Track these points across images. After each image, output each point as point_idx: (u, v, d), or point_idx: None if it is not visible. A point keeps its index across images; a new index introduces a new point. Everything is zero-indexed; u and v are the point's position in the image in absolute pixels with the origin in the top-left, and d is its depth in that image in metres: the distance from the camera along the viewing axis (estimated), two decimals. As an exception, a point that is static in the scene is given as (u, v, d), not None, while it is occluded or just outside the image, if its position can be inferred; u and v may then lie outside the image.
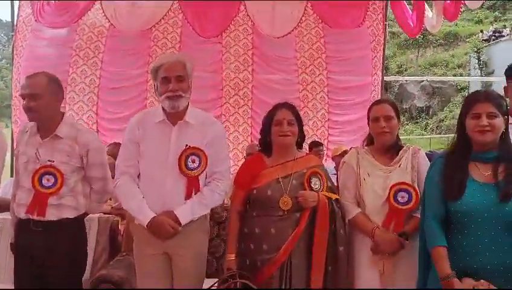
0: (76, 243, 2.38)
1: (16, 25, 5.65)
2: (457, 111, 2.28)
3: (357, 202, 2.30)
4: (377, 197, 2.25)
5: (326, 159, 5.25)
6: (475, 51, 22.70)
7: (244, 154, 5.02)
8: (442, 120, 20.55)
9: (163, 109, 2.25)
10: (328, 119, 5.87)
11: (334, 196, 2.27)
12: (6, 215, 2.64)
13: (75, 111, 5.64)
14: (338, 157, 4.87)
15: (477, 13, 27.16)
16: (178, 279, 2.25)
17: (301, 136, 2.39)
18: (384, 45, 5.81)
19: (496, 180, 1.89)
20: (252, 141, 5.70)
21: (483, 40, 23.50)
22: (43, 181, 2.23)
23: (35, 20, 5.48)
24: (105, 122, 5.72)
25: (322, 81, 5.87)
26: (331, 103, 5.86)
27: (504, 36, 22.53)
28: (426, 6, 4.95)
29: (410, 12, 5.35)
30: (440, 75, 22.36)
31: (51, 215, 2.26)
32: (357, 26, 5.69)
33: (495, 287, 1.78)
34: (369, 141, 2.39)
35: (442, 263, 1.89)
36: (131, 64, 5.76)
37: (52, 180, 2.23)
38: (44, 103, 2.28)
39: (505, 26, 24.03)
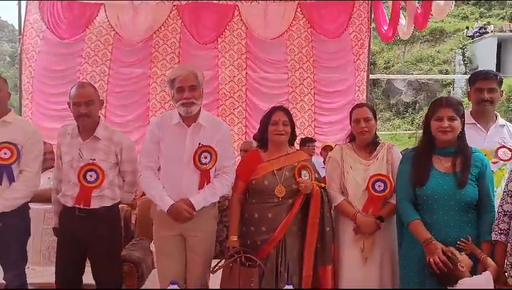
0: (114, 227, 2.79)
1: (23, 29, 5.94)
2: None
3: (341, 191, 2.72)
4: (358, 187, 2.67)
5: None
6: (460, 48, 23.29)
7: (239, 150, 5.39)
8: (428, 115, 21.03)
9: (179, 113, 2.64)
10: (315, 119, 6.27)
11: (322, 185, 2.69)
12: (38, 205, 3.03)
13: (85, 114, 6.00)
14: (324, 152, 5.34)
15: (463, 9, 27.69)
16: (191, 256, 2.64)
17: (293, 135, 2.80)
18: (369, 46, 6.19)
19: (454, 170, 2.34)
20: (246, 138, 6.10)
21: (467, 36, 24.07)
22: (87, 177, 2.61)
23: (47, 28, 5.82)
24: (112, 125, 6.05)
25: (310, 84, 6.24)
26: (317, 104, 6.26)
27: (488, 33, 23.15)
28: (401, 14, 5.37)
29: (387, 19, 5.77)
30: (426, 71, 22.87)
31: (94, 205, 2.64)
32: (342, 31, 6.07)
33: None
34: (351, 138, 2.81)
35: (421, 231, 2.32)
36: (135, 69, 6.12)
37: (95, 176, 2.62)
38: (95, 108, 2.69)
39: (489, 23, 24.61)
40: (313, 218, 2.60)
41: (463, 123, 2.38)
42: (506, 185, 2.28)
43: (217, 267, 2.54)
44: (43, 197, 3.44)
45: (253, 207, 2.68)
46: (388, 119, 21.73)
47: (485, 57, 22.30)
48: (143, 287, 3.03)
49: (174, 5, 6.11)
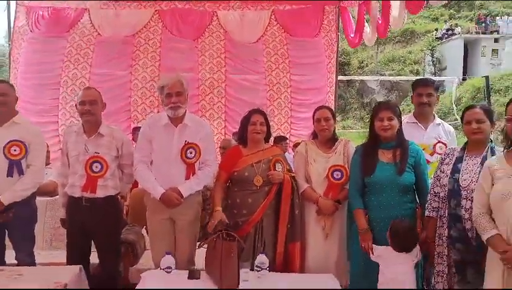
0: (115, 214, 3.23)
1: (12, 35, 6.25)
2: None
3: (306, 179, 3.22)
4: (319, 176, 3.19)
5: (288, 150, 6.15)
6: (429, 49, 24.28)
7: (219, 146, 5.81)
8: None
9: (167, 115, 3.10)
10: (291, 115, 6.69)
11: (292, 174, 3.21)
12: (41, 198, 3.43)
13: (67, 110, 6.27)
14: (295, 148, 5.87)
15: (433, 11, 28.74)
16: (179, 237, 3.12)
17: (268, 134, 3.31)
18: (337, 51, 6.74)
19: (395, 160, 2.90)
20: (225, 133, 6.53)
21: (436, 38, 25.09)
22: (93, 168, 3.05)
23: (31, 31, 6.15)
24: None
25: (286, 82, 6.67)
26: (293, 101, 6.68)
27: (455, 34, 24.21)
28: (365, 23, 5.95)
29: (354, 27, 6.35)
30: (398, 71, 23.78)
31: (99, 193, 3.07)
32: (314, 36, 6.59)
33: None
34: (314, 135, 3.33)
35: (361, 220, 2.91)
36: (116, 67, 6.41)
37: (99, 167, 3.06)
38: (98, 107, 3.12)
39: (456, 25, 25.69)
40: (285, 203, 3.11)
41: (400, 122, 2.93)
42: (436, 172, 2.83)
43: (203, 243, 3.00)
44: (42, 191, 3.84)
45: (235, 194, 3.16)
46: (362, 118, 22.51)
47: (453, 58, 23.34)
48: (138, 264, 3.49)
49: (155, 10, 6.50)
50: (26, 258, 3.08)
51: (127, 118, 6.31)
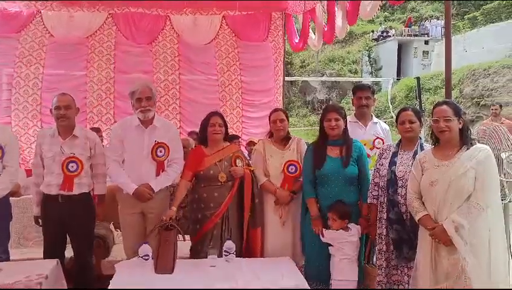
0: (90, 209, 3.42)
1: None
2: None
3: (264, 173, 3.62)
4: (276, 170, 3.59)
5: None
6: (366, 49, 25.63)
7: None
8: (341, 111, 22.99)
9: (138, 117, 3.37)
10: (242, 115, 7.04)
11: (252, 169, 3.58)
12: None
13: (21, 110, 6.24)
14: (248, 147, 6.26)
15: (369, 13, 30.22)
16: (149, 229, 3.34)
17: (226, 134, 3.64)
18: (284, 55, 7.20)
19: (341, 155, 3.36)
20: (181, 133, 6.74)
21: (373, 39, 26.53)
22: (69, 167, 3.25)
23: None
24: (48, 120, 6.13)
25: (237, 84, 7.00)
26: (244, 102, 7.04)
27: (390, 36, 25.74)
28: (310, 29, 6.46)
29: (297, 34, 6.85)
30: (338, 70, 24.88)
31: (75, 191, 3.28)
32: (262, 40, 7.01)
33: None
34: (270, 134, 3.74)
35: (313, 208, 3.34)
36: (70, 68, 6.43)
37: (75, 166, 3.26)
38: (72, 112, 3.31)
39: (391, 27, 27.28)
40: (247, 194, 3.49)
41: (346, 122, 3.40)
42: (375, 164, 3.32)
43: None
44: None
45: (202, 190, 3.47)
46: (305, 116, 23.37)
47: (388, 59, 24.79)
48: (109, 256, 3.72)
49: (109, 13, 6.56)
50: (2, 255, 3.22)
51: (83, 120, 6.34)
